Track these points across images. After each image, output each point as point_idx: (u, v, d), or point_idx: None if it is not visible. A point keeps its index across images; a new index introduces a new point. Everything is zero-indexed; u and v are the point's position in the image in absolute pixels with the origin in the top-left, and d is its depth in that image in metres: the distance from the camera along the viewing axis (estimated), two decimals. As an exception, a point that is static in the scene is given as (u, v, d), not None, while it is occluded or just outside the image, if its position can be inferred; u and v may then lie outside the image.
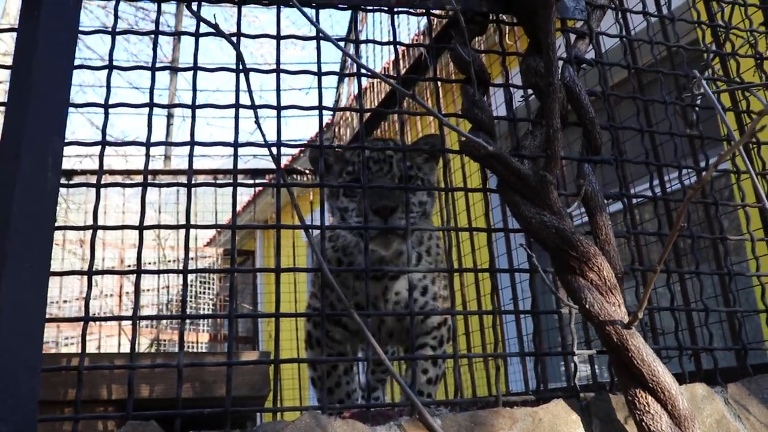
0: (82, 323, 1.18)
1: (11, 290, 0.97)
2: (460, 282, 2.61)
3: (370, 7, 1.55)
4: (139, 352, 1.37)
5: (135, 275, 1.27)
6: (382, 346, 2.19)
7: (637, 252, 1.55)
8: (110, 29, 1.39)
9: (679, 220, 1.02)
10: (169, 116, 11.20)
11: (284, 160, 6.95)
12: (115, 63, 1.35)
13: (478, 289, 2.60)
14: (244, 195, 8.53)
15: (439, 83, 1.61)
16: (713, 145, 1.73)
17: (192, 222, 1.28)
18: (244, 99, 1.34)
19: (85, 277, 1.22)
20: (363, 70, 1.46)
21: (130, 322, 1.21)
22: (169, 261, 6.75)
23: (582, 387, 1.34)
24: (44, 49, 1.12)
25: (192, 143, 1.33)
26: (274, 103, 1.39)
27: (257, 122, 1.31)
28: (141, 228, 1.26)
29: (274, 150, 1.32)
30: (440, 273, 2.15)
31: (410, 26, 3.90)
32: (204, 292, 7.87)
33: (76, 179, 4.14)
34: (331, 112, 4.19)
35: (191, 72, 1.39)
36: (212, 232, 9.32)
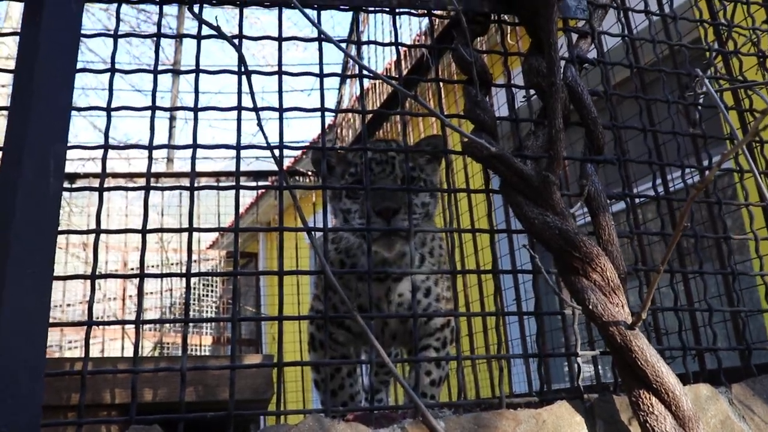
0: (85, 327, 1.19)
1: (13, 296, 0.97)
2: (463, 283, 2.60)
3: (372, 8, 1.55)
4: (142, 356, 1.37)
5: (138, 278, 1.27)
6: (385, 348, 2.19)
7: (640, 252, 1.54)
8: (112, 32, 1.39)
9: (682, 219, 1.02)
10: (172, 119, 11.22)
11: (287, 162, 6.95)
12: (117, 66, 1.36)
13: (481, 290, 2.60)
14: (247, 197, 8.55)
15: (441, 84, 1.61)
16: (716, 144, 1.72)
17: (195, 225, 1.28)
18: (247, 101, 1.34)
19: (89, 280, 1.22)
20: (365, 72, 1.45)
21: (133, 326, 1.21)
22: (173, 264, 6.75)
23: (586, 388, 1.34)
24: (46, 52, 1.12)
25: (194, 146, 1.33)
26: (277, 105, 1.39)
27: (259, 124, 1.31)
28: (144, 231, 1.26)
29: (276, 152, 1.32)
30: (443, 274, 2.15)
31: (412, 27, 3.89)
32: (207, 295, 7.87)
33: (79, 183, 4.15)
34: (333, 114, 4.19)
35: (193, 74, 1.39)
36: (215, 235, 9.33)
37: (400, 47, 1.53)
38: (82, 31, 1.23)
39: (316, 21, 1.38)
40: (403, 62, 3.43)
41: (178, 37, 1.69)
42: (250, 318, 1.61)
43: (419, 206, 1.94)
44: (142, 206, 1.29)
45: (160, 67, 1.39)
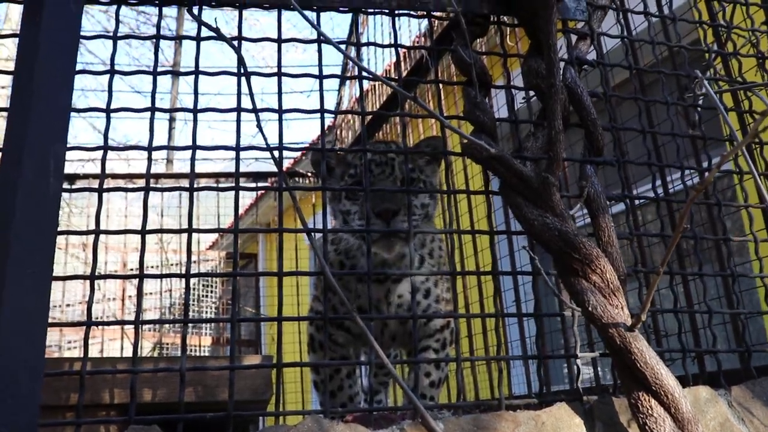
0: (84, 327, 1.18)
1: (13, 296, 0.97)
2: (463, 284, 2.60)
3: (371, 10, 1.55)
4: (141, 356, 1.37)
5: (137, 279, 1.27)
6: (384, 350, 2.19)
7: (640, 253, 1.54)
8: (112, 34, 1.39)
9: (681, 221, 1.02)
10: (171, 120, 11.22)
11: (286, 163, 6.96)
12: (116, 67, 1.36)
13: (481, 292, 2.60)
14: (247, 198, 8.55)
15: (441, 85, 1.61)
16: (715, 145, 1.72)
17: (194, 226, 1.28)
18: (246, 102, 1.34)
19: (88, 280, 1.22)
20: (364, 73, 1.46)
21: (132, 326, 1.21)
22: (172, 264, 6.75)
23: (585, 390, 1.34)
24: (46, 53, 1.12)
25: (194, 147, 1.33)
26: (276, 106, 1.39)
27: (259, 125, 1.31)
28: (143, 232, 1.26)
29: (276, 153, 1.33)
30: (443, 275, 2.15)
31: (411, 28, 3.90)
32: (207, 296, 7.87)
33: (79, 183, 4.15)
34: (333, 115, 4.18)
35: (193, 76, 1.39)
36: (215, 236, 9.33)
37: (399, 49, 1.53)
38: (82, 33, 1.23)
39: (315, 23, 1.38)
40: (402, 64, 3.43)
41: (178, 38, 1.69)
42: (249, 319, 1.61)
43: (419, 207, 1.94)
44: (141, 207, 1.29)
45: (159, 69, 1.39)
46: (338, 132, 4.89)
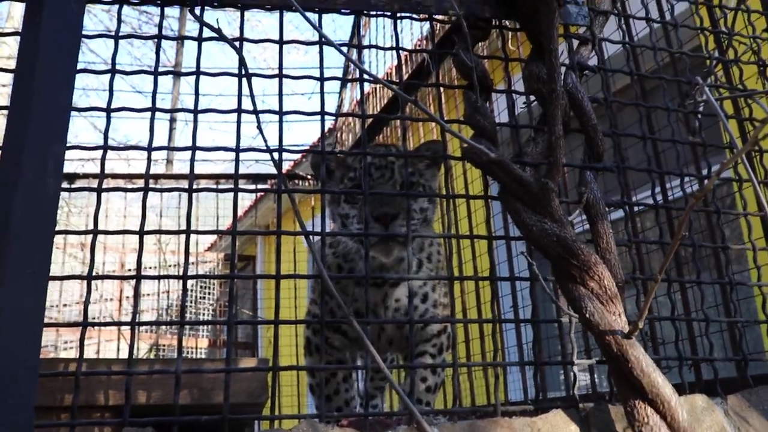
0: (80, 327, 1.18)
1: (12, 296, 0.97)
2: (461, 289, 2.60)
3: (373, 12, 1.55)
4: (137, 357, 1.37)
5: (135, 280, 1.27)
6: (381, 354, 2.18)
7: (638, 260, 1.54)
8: (113, 33, 1.39)
9: (680, 228, 1.02)
10: (172, 120, 11.22)
11: (286, 166, 6.95)
12: (118, 67, 1.36)
13: (479, 297, 2.60)
14: (246, 200, 8.55)
15: (442, 89, 1.61)
16: (715, 152, 1.72)
17: (193, 227, 1.28)
18: (247, 103, 1.34)
19: (85, 281, 1.22)
20: (365, 76, 1.45)
21: (128, 327, 1.20)
22: (170, 265, 6.74)
23: (581, 397, 1.33)
24: (46, 52, 1.12)
25: (194, 148, 1.33)
26: (277, 108, 1.39)
27: (259, 127, 1.31)
28: (141, 233, 1.26)
29: (275, 155, 1.32)
30: (441, 280, 2.14)
31: (413, 31, 3.90)
32: (204, 297, 7.86)
33: (78, 183, 4.15)
34: (334, 118, 4.18)
35: (194, 76, 1.39)
36: (213, 237, 9.33)
37: (400, 52, 1.53)
38: (84, 32, 1.22)
39: (317, 24, 1.38)
40: (403, 67, 3.43)
41: (180, 38, 1.69)
42: (246, 321, 1.61)
43: (418, 212, 1.94)
44: (140, 207, 1.29)
45: (160, 69, 1.39)
46: (339, 135, 4.89)
